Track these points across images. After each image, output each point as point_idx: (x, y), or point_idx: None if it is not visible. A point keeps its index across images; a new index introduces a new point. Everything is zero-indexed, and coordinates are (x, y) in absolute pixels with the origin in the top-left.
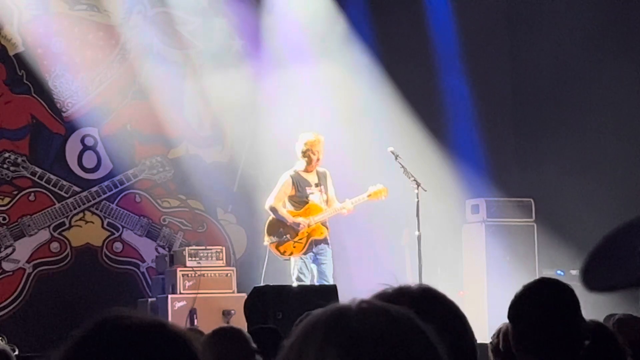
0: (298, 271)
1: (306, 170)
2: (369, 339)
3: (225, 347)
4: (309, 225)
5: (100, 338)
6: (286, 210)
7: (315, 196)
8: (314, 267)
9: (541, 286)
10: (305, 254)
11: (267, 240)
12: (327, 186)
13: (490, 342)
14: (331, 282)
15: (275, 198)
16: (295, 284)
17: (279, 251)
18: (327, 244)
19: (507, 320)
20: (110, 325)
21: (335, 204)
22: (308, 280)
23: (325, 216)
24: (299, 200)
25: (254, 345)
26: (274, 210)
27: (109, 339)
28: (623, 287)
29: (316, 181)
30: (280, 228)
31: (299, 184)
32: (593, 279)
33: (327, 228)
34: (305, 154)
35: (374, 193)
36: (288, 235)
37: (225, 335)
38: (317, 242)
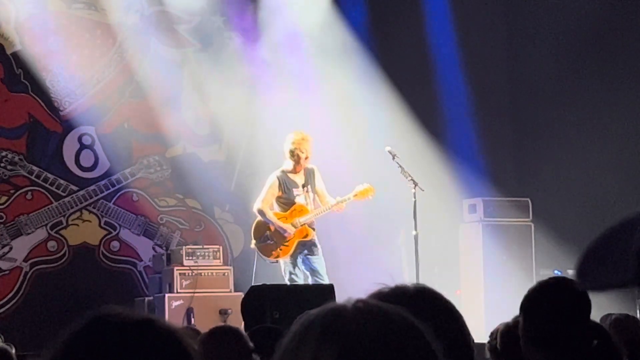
0: (289, 273)
1: (294, 170)
2: (366, 339)
3: (223, 346)
4: (295, 228)
5: (90, 336)
6: (274, 211)
7: (301, 198)
8: (304, 267)
9: (558, 284)
10: (292, 256)
11: (253, 243)
12: (315, 182)
13: (489, 342)
14: (325, 279)
15: (263, 201)
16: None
17: (266, 255)
18: (315, 244)
19: (504, 320)
20: (99, 322)
21: (327, 199)
22: (301, 280)
23: (312, 217)
24: (286, 201)
25: (251, 344)
26: (261, 213)
27: (99, 336)
28: (617, 287)
29: (303, 182)
30: (266, 231)
31: (285, 185)
32: (587, 278)
33: (313, 229)
34: (292, 153)
35: (361, 192)
36: (274, 239)
37: (222, 335)
38: (304, 244)
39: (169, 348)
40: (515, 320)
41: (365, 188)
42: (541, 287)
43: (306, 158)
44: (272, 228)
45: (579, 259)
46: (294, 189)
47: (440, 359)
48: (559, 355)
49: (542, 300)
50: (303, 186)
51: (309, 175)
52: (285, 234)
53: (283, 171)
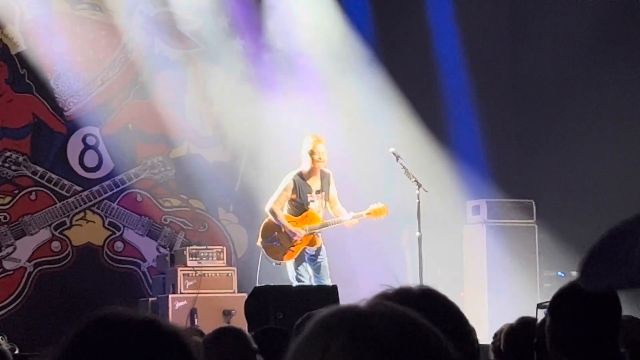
0: (295, 272)
1: (310, 173)
2: (388, 340)
3: (227, 347)
4: (305, 236)
5: (93, 336)
6: (284, 214)
7: (315, 204)
8: (309, 267)
9: None
10: (296, 260)
11: (260, 241)
12: (330, 188)
13: (492, 343)
14: (328, 282)
15: (276, 201)
16: (295, 283)
17: (270, 256)
18: (320, 248)
19: (507, 322)
20: (102, 323)
21: (338, 207)
22: (307, 279)
23: (322, 228)
24: (299, 205)
25: (255, 345)
26: (273, 213)
27: (102, 336)
28: (621, 287)
29: (318, 187)
30: (275, 232)
31: (300, 189)
32: (591, 279)
33: (320, 238)
34: (308, 156)
35: (374, 211)
36: (281, 242)
37: (226, 335)
38: (310, 251)
39: (172, 348)
40: (519, 322)
41: (379, 207)
42: (571, 287)
43: (320, 159)
44: (283, 230)
45: (583, 260)
46: (308, 195)
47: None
48: (585, 358)
49: (572, 301)
50: (317, 192)
51: (325, 180)
52: (295, 237)
53: (300, 174)
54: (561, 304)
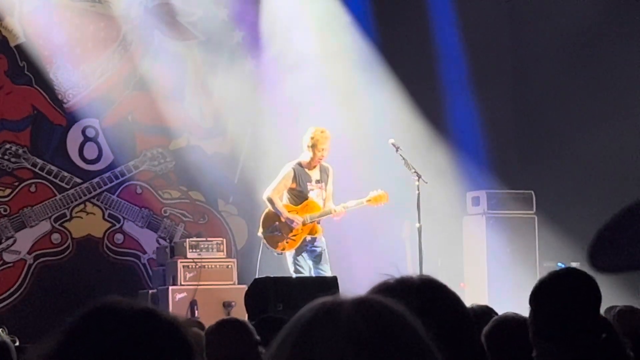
0: (295, 263)
1: (310, 164)
2: (359, 332)
3: (229, 339)
4: (304, 224)
5: (91, 325)
6: (284, 203)
7: (314, 192)
8: (309, 258)
9: (569, 275)
10: (297, 249)
11: (261, 232)
12: (328, 182)
13: (483, 335)
14: (328, 272)
15: (274, 190)
16: (294, 276)
17: (272, 246)
18: (320, 238)
19: (504, 312)
20: (100, 312)
21: (330, 202)
22: (306, 271)
23: (323, 216)
24: (299, 194)
25: (257, 337)
26: (270, 201)
27: (99, 326)
28: (628, 270)
29: (318, 177)
30: (275, 222)
31: (300, 178)
32: (599, 260)
33: (321, 227)
34: (310, 149)
35: (374, 198)
36: (282, 231)
37: (229, 327)
38: (311, 240)
39: (169, 338)
40: (505, 315)
41: (379, 194)
42: (551, 278)
43: (322, 157)
44: (282, 219)
45: (590, 242)
46: (308, 183)
47: (436, 354)
48: (567, 347)
49: (552, 291)
50: (317, 182)
51: (324, 173)
52: (293, 225)
53: (299, 163)
54: (542, 295)
